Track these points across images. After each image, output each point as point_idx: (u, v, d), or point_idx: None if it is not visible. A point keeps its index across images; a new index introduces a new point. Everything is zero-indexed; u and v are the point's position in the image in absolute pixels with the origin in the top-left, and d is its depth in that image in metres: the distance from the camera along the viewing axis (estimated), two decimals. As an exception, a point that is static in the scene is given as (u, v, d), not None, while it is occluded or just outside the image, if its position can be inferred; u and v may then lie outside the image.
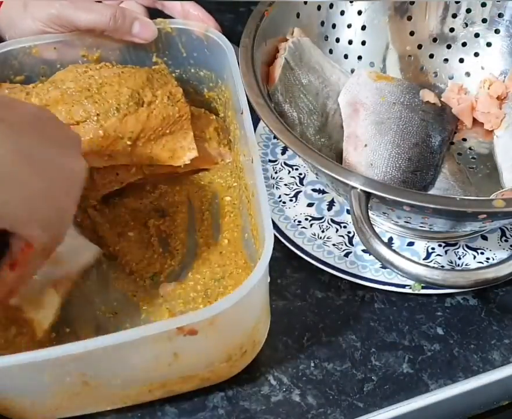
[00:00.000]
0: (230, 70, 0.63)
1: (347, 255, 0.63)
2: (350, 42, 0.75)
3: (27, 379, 0.47)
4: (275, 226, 0.64)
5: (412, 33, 0.76)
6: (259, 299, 0.52)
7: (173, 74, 0.68)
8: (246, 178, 0.61)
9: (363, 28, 0.75)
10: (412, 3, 0.75)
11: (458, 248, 0.64)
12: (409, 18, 0.76)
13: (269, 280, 0.51)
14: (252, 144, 0.56)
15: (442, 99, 0.74)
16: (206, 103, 0.71)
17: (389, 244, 0.63)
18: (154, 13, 0.70)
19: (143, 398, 0.54)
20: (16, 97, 0.61)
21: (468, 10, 0.75)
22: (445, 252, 0.64)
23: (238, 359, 0.54)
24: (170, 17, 0.68)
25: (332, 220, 0.67)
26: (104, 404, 0.53)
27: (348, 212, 0.67)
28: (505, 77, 0.74)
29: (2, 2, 0.65)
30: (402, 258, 0.50)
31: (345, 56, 0.75)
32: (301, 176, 0.70)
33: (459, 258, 0.63)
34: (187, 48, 0.67)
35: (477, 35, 0.75)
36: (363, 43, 0.75)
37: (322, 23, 0.73)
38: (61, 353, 0.45)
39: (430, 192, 0.65)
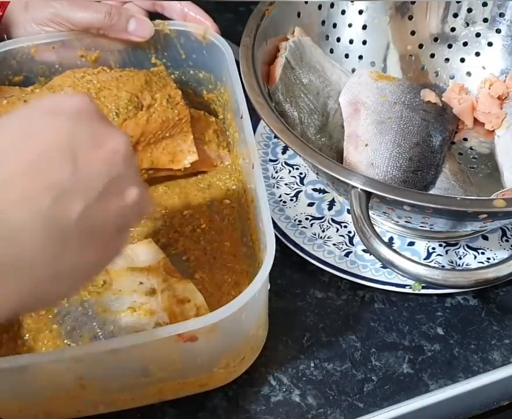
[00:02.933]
0: (229, 72, 0.63)
1: (347, 254, 0.63)
2: (351, 42, 0.75)
3: (25, 381, 0.47)
4: (275, 226, 0.64)
5: (413, 32, 0.76)
6: (259, 306, 0.52)
7: (172, 76, 0.68)
8: (246, 182, 0.61)
9: (364, 27, 0.75)
10: (413, 2, 0.75)
11: (458, 248, 0.64)
12: (410, 17, 0.76)
13: (268, 288, 0.51)
14: (252, 149, 0.55)
15: (443, 99, 0.74)
16: (205, 105, 0.71)
17: (389, 243, 0.63)
18: (154, 16, 0.70)
19: (139, 402, 0.54)
20: (14, 107, 0.61)
21: (469, 10, 0.74)
22: (446, 252, 0.64)
23: (237, 365, 0.54)
24: (170, 19, 0.68)
25: (332, 220, 0.67)
26: (101, 407, 0.53)
27: (348, 211, 0.67)
28: (506, 76, 0.74)
29: (8, 2, 0.65)
30: (402, 257, 0.50)
31: (346, 56, 0.75)
32: (302, 176, 0.70)
33: (460, 258, 0.63)
34: (185, 49, 0.67)
35: (478, 35, 0.75)
36: (364, 42, 0.75)
37: (323, 22, 0.73)
38: (60, 357, 0.45)
39: (431, 192, 0.65)
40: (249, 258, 0.60)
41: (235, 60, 0.63)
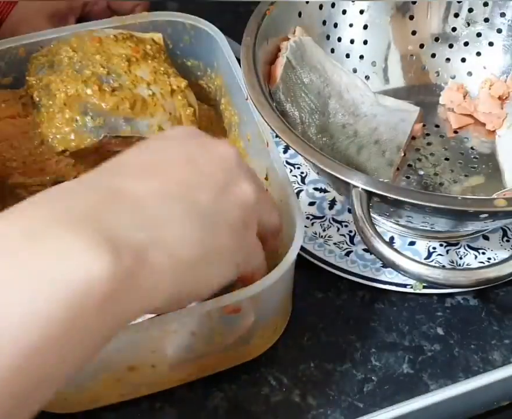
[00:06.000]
0: (222, 57, 0.63)
1: (348, 254, 0.63)
2: (352, 42, 0.75)
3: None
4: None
5: (414, 32, 0.76)
6: (290, 276, 0.54)
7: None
8: (250, 163, 0.61)
9: (365, 27, 0.75)
10: (414, 2, 0.75)
11: (459, 248, 0.64)
12: (411, 17, 0.76)
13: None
14: (265, 128, 0.57)
15: (441, 97, 0.74)
16: (195, 93, 0.70)
17: (390, 243, 0.63)
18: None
19: (178, 381, 0.54)
20: (13, 109, 0.61)
21: (470, 10, 0.74)
22: (447, 252, 0.64)
23: (270, 335, 0.56)
24: None
25: (333, 219, 0.67)
26: (143, 389, 0.54)
27: (349, 211, 0.67)
28: (507, 76, 0.74)
29: (16, 1, 0.65)
30: (403, 257, 0.50)
31: (347, 56, 0.75)
32: (303, 175, 0.70)
33: (461, 258, 0.63)
34: (173, 38, 0.68)
35: (479, 35, 0.75)
36: (365, 42, 0.75)
37: (324, 22, 0.73)
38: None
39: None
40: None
41: (236, 58, 0.63)
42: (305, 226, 0.65)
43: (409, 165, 0.69)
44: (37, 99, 0.60)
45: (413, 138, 0.71)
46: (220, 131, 0.69)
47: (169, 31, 0.67)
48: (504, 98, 0.73)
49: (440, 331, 0.59)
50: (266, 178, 0.58)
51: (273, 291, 0.50)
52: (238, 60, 0.63)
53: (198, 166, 0.41)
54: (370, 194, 0.52)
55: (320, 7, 0.72)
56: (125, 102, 0.59)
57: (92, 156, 0.61)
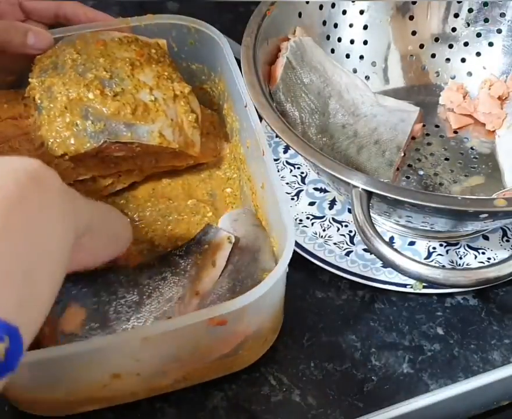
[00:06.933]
0: (225, 62, 0.63)
1: (348, 254, 0.63)
2: (352, 42, 0.75)
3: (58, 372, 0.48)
4: (276, 225, 0.64)
5: (414, 33, 0.76)
6: (280, 288, 0.53)
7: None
8: (250, 170, 0.61)
9: (365, 27, 0.75)
10: (414, 2, 0.75)
11: (459, 248, 0.64)
12: (411, 17, 0.76)
13: (287, 270, 0.51)
14: (261, 137, 0.56)
15: (441, 97, 0.74)
16: (199, 97, 0.70)
17: (390, 243, 0.63)
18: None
19: (165, 389, 0.54)
20: (15, 110, 0.61)
21: (470, 10, 0.74)
22: (447, 251, 0.64)
23: (260, 346, 0.55)
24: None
25: (333, 219, 0.67)
26: (127, 396, 0.54)
27: (349, 211, 0.67)
28: (507, 76, 0.74)
29: None
30: (403, 257, 0.50)
31: (347, 56, 0.75)
32: (303, 175, 0.70)
33: (461, 258, 0.63)
34: (178, 42, 0.68)
35: (479, 35, 0.75)
36: (365, 42, 0.75)
37: (324, 22, 0.73)
38: (92, 347, 0.46)
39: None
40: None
41: (236, 58, 0.63)
42: (305, 226, 0.65)
43: (409, 165, 0.69)
44: (39, 101, 0.60)
45: (413, 138, 0.71)
46: (222, 135, 0.69)
47: (174, 34, 0.67)
48: (503, 98, 0.73)
49: (440, 331, 0.59)
50: (262, 187, 0.57)
51: (261, 305, 0.50)
52: (238, 61, 0.63)
53: None
54: (370, 194, 0.52)
55: (320, 7, 0.72)
56: (126, 107, 0.58)
57: (92, 160, 0.61)
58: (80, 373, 0.49)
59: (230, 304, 0.47)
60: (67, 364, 0.47)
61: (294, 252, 0.63)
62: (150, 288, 0.53)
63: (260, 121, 0.72)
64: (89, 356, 0.47)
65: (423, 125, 0.73)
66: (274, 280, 0.48)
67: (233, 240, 0.55)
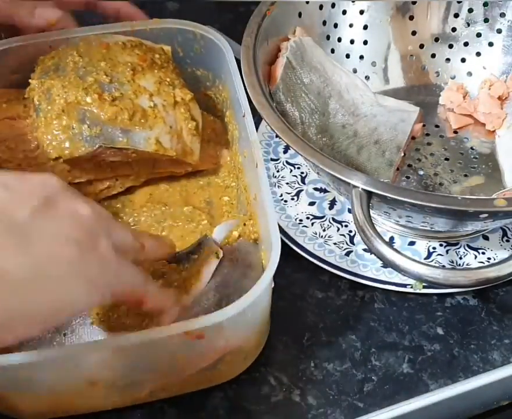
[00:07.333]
0: (228, 70, 0.63)
1: (347, 254, 0.63)
2: (352, 42, 0.75)
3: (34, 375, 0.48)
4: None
5: (414, 33, 0.76)
6: (263, 304, 0.52)
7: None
8: (246, 179, 0.61)
9: (365, 27, 0.75)
10: (414, 2, 0.75)
11: (459, 248, 0.64)
12: (411, 17, 0.76)
13: (273, 286, 0.51)
14: (256, 148, 0.56)
15: (441, 97, 0.74)
16: (203, 103, 0.71)
17: (390, 243, 0.63)
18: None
19: (142, 399, 0.54)
20: (14, 110, 0.61)
21: (470, 10, 0.74)
22: (447, 251, 0.64)
23: (240, 362, 0.55)
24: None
25: (333, 219, 0.67)
26: (107, 404, 0.53)
27: (349, 211, 0.67)
28: (507, 76, 0.74)
29: None
30: (403, 257, 0.50)
31: (347, 56, 0.75)
32: (303, 175, 0.70)
33: (460, 258, 0.63)
34: (183, 47, 0.67)
35: (479, 35, 0.75)
36: (365, 42, 0.75)
37: (324, 22, 0.73)
38: (70, 353, 0.46)
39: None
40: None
41: (236, 58, 0.63)
42: (305, 226, 0.65)
43: (409, 165, 0.69)
44: (37, 102, 0.60)
45: (413, 138, 0.71)
46: (224, 143, 0.69)
47: (179, 39, 0.67)
48: (503, 98, 0.73)
49: (440, 331, 0.59)
50: (255, 199, 0.57)
51: (240, 321, 0.49)
52: (238, 61, 0.63)
53: (9, 188, 0.40)
54: (370, 194, 0.52)
55: (321, 7, 0.72)
56: (124, 112, 0.58)
57: (87, 164, 0.61)
58: (54, 379, 0.48)
59: (207, 318, 0.46)
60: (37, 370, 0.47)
61: (294, 252, 0.64)
62: None
63: (260, 121, 0.73)
64: (62, 363, 0.47)
65: (423, 125, 0.73)
66: (252, 298, 0.46)
67: (220, 256, 0.54)
